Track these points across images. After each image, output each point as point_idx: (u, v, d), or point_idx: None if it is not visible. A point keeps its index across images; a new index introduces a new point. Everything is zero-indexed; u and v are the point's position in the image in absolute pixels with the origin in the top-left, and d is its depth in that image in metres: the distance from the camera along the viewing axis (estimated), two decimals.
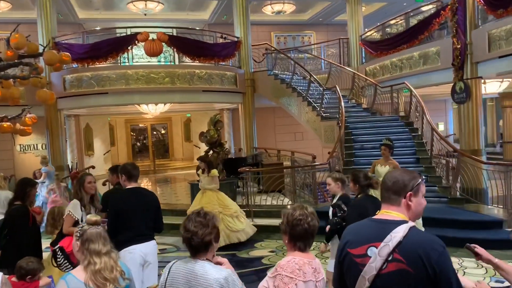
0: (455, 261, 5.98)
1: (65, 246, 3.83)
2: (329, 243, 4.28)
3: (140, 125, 21.74)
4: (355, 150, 10.23)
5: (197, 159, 7.47)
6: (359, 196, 4.03)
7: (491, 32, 8.94)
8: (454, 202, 8.14)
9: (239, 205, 9.00)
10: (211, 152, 8.78)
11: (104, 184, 9.69)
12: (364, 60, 14.48)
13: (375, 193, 6.59)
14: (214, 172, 7.35)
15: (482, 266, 5.77)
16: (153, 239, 4.12)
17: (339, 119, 10.99)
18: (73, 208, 4.22)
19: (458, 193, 8.54)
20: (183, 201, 10.92)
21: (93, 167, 12.74)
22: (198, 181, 9.22)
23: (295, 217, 2.37)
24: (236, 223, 7.25)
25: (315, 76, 12.67)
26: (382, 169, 6.48)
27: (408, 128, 10.72)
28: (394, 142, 10.31)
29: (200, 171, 7.47)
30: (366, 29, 14.67)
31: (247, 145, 13.84)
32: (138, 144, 21.99)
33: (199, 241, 2.30)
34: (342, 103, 10.76)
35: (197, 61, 12.33)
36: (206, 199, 7.20)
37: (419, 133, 10.45)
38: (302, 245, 2.40)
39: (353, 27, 14.64)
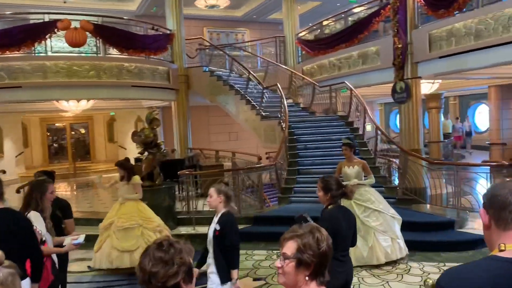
0: (415, 266, 5.74)
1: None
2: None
3: (57, 124, 19.80)
4: (299, 150, 9.86)
5: (115, 165, 6.44)
6: (329, 207, 3.40)
7: (432, 32, 9.01)
8: (402, 203, 8.02)
9: (179, 212, 8.21)
10: (146, 153, 7.83)
11: (17, 191, 8.36)
12: (301, 59, 14.26)
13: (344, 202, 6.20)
14: (136, 179, 6.28)
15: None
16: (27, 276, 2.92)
17: (281, 119, 10.58)
18: (38, 222, 3.36)
19: (404, 194, 8.46)
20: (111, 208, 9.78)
21: (3, 171, 11.10)
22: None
23: (327, 244, 1.75)
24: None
25: (254, 74, 12.16)
26: (351, 170, 6.06)
27: (349, 128, 10.59)
28: (336, 142, 10.28)
29: (117, 179, 6.44)
30: (302, 28, 14.49)
31: (181, 146, 12.97)
32: (55, 145, 20.02)
33: (159, 286, 1.57)
34: (285, 102, 10.35)
35: (126, 54, 11.22)
36: (124, 210, 6.19)
37: (360, 132, 10.36)
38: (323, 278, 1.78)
39: (289, 26, 14.38)
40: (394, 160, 9.38)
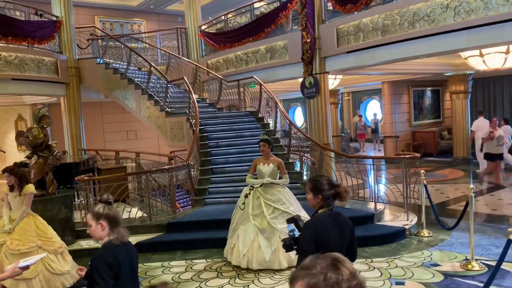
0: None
1: None
2: None
3: None
4: (210, 148, 9.29)
5: (3, 172, 5.29)
6: (319, 211, 2.86)
7: (339, 27, 9.07)
8: None
9: (77, 223, 7.13)
10: (35, 157, 6.63)
11: None
12: (205, 53, 13.66)
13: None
14: (30, 188, 5.23)
15: (374, 268, 5.47)
16: None
17: (189, 115, 9.90)
18: None
19: None
20: None
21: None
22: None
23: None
24: (60, 263, 5.23)
25: (156, 67, 11.27)
26: (266, 168, 5.70)
27: (260, 124, 10.33)
28: (249, 138, 9.93)
29: (7, 189, 5.31)
30: (204, 21, 13.90)
31: (74, 148, 11.57)
32: None
33: None
34: (194, 97, 9.68)
35: (4, 42, 9.58)
36: (18, 228, 5.09)
37: (272, 128, 10.15)
38: None
39: (191, 17, 13.69)
40: (306, 155, 9.30)
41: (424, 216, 6.79)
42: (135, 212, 7.85)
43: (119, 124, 15.63)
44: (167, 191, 8.30)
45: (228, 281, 5.25)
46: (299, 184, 8.31)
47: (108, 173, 9.13)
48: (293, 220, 2.89)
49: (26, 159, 6.87)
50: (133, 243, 6.55)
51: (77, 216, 7.25)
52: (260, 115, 10.65)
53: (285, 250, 3.00)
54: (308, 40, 9.47)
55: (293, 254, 5.14)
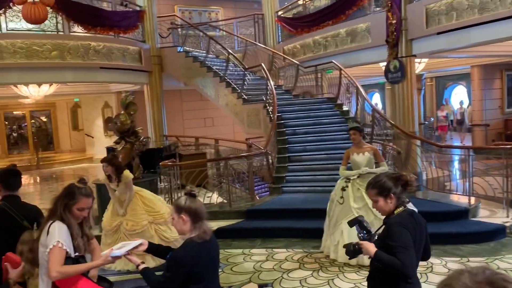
0: (437, 263, 5.15)
1: None
2: None
3: (16, 112, 18.28)
4: (288, 136, 9.12)
5: (101, 162, 5.54)
6: (395, 211, 2.57)
7: (429, 6, 8.41)
8: None
9: None
10: (122, 142, 6.90)
11: None
12: (281, 39, 13.45)
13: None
14: (127, 175, 5.42)
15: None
16: None
17: (266, 102, 9.80)
18: (62, 236, 2.52)
19: None
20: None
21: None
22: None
23: None
24: (171, 231, 5.47)
25: (234, 55, 11.28)
26: (361, 158, 5.36)
27: (338, 111, 9.95)
28: (327, 126, 9.62)
29: (105, 178, 5.55)
30: (281, 6, 13.65)
31: (156, 134, 12.00)
32: (14, 135, 18.50)
33: None
34: (272, 84, 9.55)
35: (93, 32, 10.09)
36: (129, 210, 5.42)
37: (352, 115, 9.74)
38: None
39: (268, 3, 13.51)
40: (390, 144, 8.80)
41: None
42: (215, 198, 7.95)
43: (197, 111, 15.98)
44: (244, 177, 8.31)
45: (311, 274, 5.08)
46: None
47: (189, 159, 9.34)
48: (357, 221, 2.64)
49: (114, 144, 7.16)
50: (214, 228, 6.63)
51: None
52: (339, 102, 10.27)
53: (348, 258, 2.77)
54: (394, 21, 8.88)
55: None
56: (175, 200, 2.73)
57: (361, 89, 9.29)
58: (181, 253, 2.50)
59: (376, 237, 2.60)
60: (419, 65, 12.38)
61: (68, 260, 2.50)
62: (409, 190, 2.71)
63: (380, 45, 9.36)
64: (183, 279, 2.45)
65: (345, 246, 2.69)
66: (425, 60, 12.54)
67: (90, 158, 16.32)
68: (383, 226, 2.63)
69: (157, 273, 2.58)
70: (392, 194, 2.56)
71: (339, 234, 5.36)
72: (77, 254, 2.59)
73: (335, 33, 10.87)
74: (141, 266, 2.53)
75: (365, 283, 4.70)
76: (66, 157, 16.97)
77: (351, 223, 2.70)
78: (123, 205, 5.45)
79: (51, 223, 2.56)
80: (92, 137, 16.61)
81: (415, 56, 9.13)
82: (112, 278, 4.05)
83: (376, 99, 24.21)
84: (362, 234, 2.59)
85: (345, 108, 10.02)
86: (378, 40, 9.45)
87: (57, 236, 2.49)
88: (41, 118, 19.02)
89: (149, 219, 5.42)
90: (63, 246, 2.49)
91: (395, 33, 8.94)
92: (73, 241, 2.57)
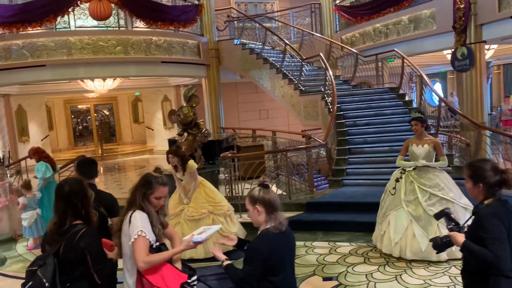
0: None
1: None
2: None
3: (80, 106, 19.24)
4: (347, 127, 8.91)
5: (167, 153, 5.70)
6: (485, 202, 2.46)
7: None
8: None
9: None
10: (185, 134, 7.05)
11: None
12: (338, 28, 13.16)
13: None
14: (192, 165, 5.56)
15: None
16: None
17: (324, 93, 9.63)
18: (144, 224, 2.60)
19: None
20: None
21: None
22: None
23: None
24: (229, 225, 5.64)
25: (291, 45, 11.18)
26: (420, 150, 5.16)
27: (401, 101, 9.58)
28: (389, 117, 9.31)
29: (171, 168, 5.69)
30: None
31: (213, 126, 12.17)
32: (79, 127, 19.50)
33: None
34: (331, 74, 9.36)
35: (154, 27, 10.36)
36: (192, 200, 5.57)
37: (414, 105, 9.36)
38: None
39: None
40: (458, 136, 8.37)
41: None
42: (274, 190, 7.93)
43: (252, 103, 16.03)
44: (303, 170, 8.23)
45: (377, 268, 4.95)
46: (450, 168, 7.52)
47: (246, 151, 9.40)
48: (444, 214, 2.50)
49: (177, 136, 7.33)
50: None
51: (222, 191, 7.55)
52: (401, 92, 9.89)
53: (435, 252, 2.63)
54: (462, 5, 8.43)
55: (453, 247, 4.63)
56: (248, 191, 2.71)
57: (426, 78, 8.88)
58: (258, 244, 2.51)
59: (465, 229, 2.47)
60: (487, 52, 11.65)
61: (151, 249, 2.57)
62: (507, 187, 2.53)
63: (446, 32, 8.95)
64: (261, 270, 2.45)
65: (431, 240, 2.58)
66: (494, 46, 11.81)
67: (150, 150, 16.90)
68: (472, 217, 2.48)
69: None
70: (481, 184, 2.44)
71: (386, 225, 5.25)
72: (157, 242, 2.65)
73: (397, 20, 10.47)
74: (225, 263, 2.55)
75: (435, 280, 4.55)
76: (128, 149, 17.66)
77: (437, 216, 2.60)
78: (188, 194, 5.58)
79: (131, 213, 2.63)
80: (152, 130, 17.17)
81: (484, 42, 8.63)
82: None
83: (437, 89, 23.14)
84: (451, 226, 2.48)
85: (407, 98, 9.65)
86: (443, 27, 9.01)
87: (139, 225, 2.56)
88: (103, 111, 19.90)
89: (209, 208, 5.53)
90: (146, 235, 2.56)
91: (463, 18, 8.49)
92: (153, 228, 2.63)
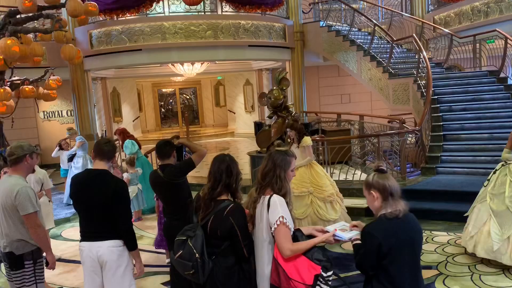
0: None
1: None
2: None
3: (165, 89, 20.17)
4: (442, 112, 8.47)
5: (286, 128, 5.87)
6: None
7: None
8: None
9: None
10: (275, 117, 7.13)
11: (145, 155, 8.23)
12: (431, 8, 12.44)
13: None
14: (307, 140, 5.63)
15: None
16: (110, 238, 3.15)
17: (416, 76, 9.20)
18: (284, 210, 2.59)
19: None
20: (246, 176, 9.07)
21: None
22: (258, 152, 7.72)
23: None
24: (328, 211, 5.57)
25: (381, 26, 10.78)
26: None
27: (502, 86, 8.89)
28: (489, 102, 8.69)
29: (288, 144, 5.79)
30: None
31: (297, 109, 12.17)
32: (164, 110, 20.49)
33: None
34: (425, 55, 8.91)
35: (242, 11, 10.52)
36: (297, 175, 5.42)
37: None
38: None
39: None
40: None
41: None
42: (359, 175, 7.82)
43: (334, 87, 15.78)
44: (392, 156, 7.99)
45: (481, 260, 4.70)
46: None
47: (333, 135, 9.30)
48: None
49: (267, 118, 7.43)
50: (364, 206, 6.54)
51: None
52: (502, 75, 9.16)
53: None
54: None
55: None
56: (365, 177, 2.63)
57: None
58: (371, 227, 2.44)
59: None
60: None
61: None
62: None
63: None
64: (376, 255, 2.37)
65: None
66: None
67: (231, 132, 17.35)
68: None
69: None
70: None
71: (470, 218, 4.90)
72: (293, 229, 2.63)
73: None
74: (355, 242, 2.54)
75: None
76: (210, 131, 18.28)
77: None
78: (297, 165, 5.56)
79: (269, 197, 2.61)
80: (234, 113, 17.58)
81: None
82: None
83: None
84: None
85: (510, 82, 8.93)
86: None
87: (280, 211, 2.54)
88: (187, 94, 20.70)
89: (310, 189, 5.53)
90: (287, 222, 2.54)
91: None
92: (289, 208, 2.63)
